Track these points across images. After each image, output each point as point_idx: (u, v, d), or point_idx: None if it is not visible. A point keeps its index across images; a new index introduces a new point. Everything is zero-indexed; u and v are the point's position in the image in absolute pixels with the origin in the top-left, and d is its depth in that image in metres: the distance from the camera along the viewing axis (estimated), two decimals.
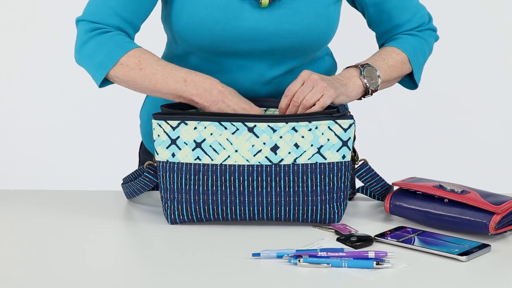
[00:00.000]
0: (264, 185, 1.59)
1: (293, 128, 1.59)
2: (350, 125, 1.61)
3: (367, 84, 1.71)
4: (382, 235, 1.55)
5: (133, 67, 1.67)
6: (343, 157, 1.62)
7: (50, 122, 3.84)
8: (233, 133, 1.59)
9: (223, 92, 1.65)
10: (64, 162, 3.82)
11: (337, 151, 1.61)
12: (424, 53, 1.86)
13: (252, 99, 1.72)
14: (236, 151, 1.59)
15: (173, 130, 1.61)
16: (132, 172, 1.76)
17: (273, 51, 1.73)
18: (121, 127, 3.65)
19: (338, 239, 1.54)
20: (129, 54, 1.68)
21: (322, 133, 1.60)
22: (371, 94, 1.73)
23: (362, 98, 1.74)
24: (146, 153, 1.94)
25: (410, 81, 1.86)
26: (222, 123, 1.59)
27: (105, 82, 1.71)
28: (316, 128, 1.60)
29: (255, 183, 1.59)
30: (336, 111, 1.61)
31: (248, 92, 1.74)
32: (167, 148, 1.61)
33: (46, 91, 3.84)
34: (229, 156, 1.59)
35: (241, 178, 1.59)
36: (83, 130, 3.84)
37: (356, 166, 1.67)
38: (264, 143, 1.59)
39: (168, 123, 1.61)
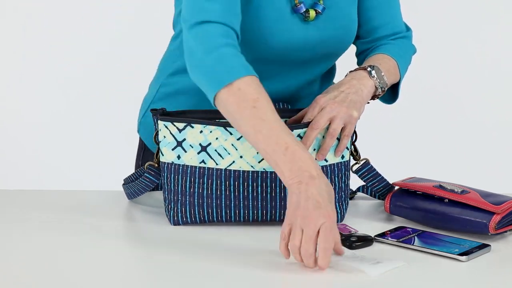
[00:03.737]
0: (269, 190, 1.58)
1: (299, 135, 1.57)
2: None
3: (378, 83, 1.68)
4: (382, 235, 1.55)
5: (248, 99, 1.48)
6: (342, 157, 1.62)
7: (50, 122, 3.84)
8: (238, 139, 1.57)
9: (314, 178, 1.43)
10: (65, 162, 3.82)
11: None
12: (407, 62, 1.82)
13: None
14: (241, 157, 1.57)
15: (179, 132, 1.60)
16: (133, 173, 1.76)
17: (314, 58, 1.74)
18: (122, 127, 3.64)
19: None
20: (246, 80, 1.49)
21: (323, 136, 1.60)
22: (378, 97, 1.71)
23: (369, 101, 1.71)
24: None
25: (390, 92, 1.81)
26: (228, 128, 1.57)
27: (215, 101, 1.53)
28: None
29: (259, 188, 1.58)
30: None
31: (282, 96, 1.73)
32: (172, 149, 1.60)
33: (46, 91, 3.84)
34: (234, 162, 1.58)
35: (246, 183, 1.58)
36: (84, 130, 3.84)
37: (358, 165, 1.67)
38: None
39: (174, 125, 1.60)
